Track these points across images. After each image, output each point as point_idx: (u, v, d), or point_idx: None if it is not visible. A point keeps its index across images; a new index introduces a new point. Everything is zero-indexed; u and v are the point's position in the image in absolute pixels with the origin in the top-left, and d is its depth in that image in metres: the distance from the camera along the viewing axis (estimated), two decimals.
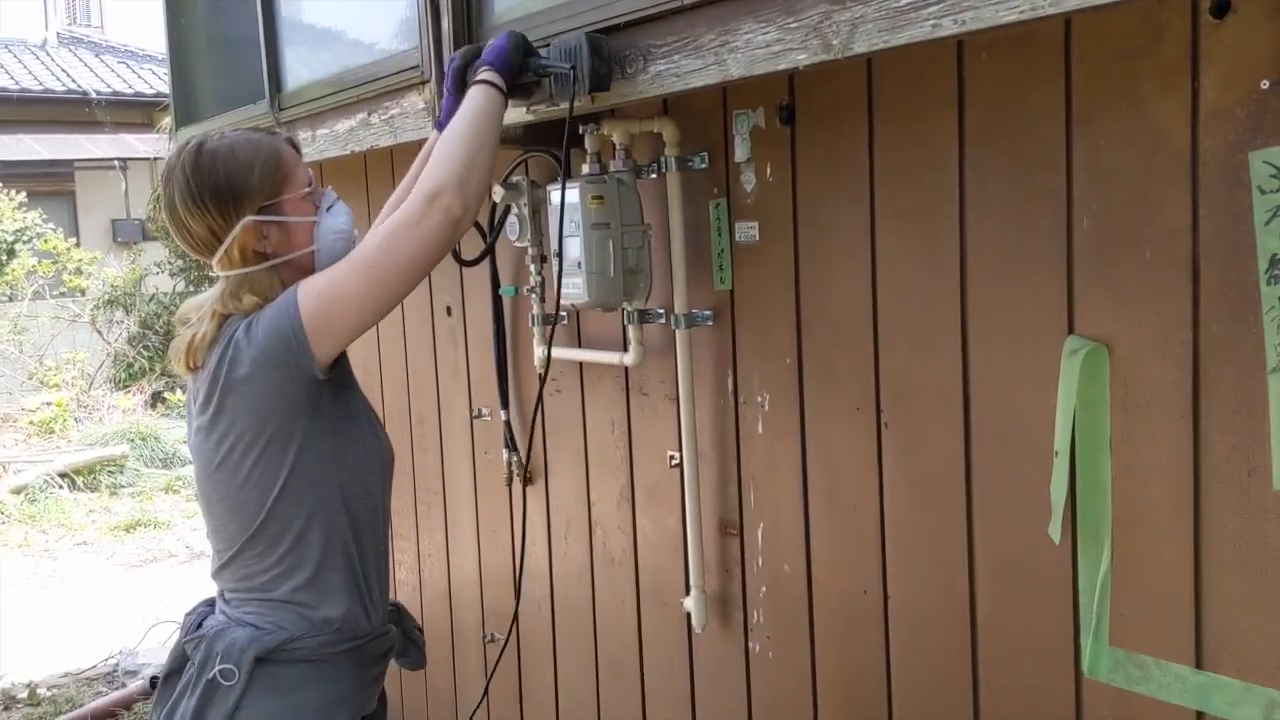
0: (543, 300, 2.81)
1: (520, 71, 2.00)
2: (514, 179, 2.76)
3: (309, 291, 1.76)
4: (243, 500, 1.81)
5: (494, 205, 2.89)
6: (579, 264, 2.31)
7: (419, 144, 2.84)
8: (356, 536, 1.84)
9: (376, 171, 3.47)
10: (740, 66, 1.78)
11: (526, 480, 3.05)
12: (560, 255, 2.33)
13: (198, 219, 1.82)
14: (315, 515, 1.80)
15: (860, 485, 2.06)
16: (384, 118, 2.82)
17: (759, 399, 2.28)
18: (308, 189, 1.89)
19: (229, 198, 1.81)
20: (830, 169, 2.06)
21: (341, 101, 2.99)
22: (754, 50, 1.75)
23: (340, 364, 1.88)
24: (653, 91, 1.97)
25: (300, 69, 3.34)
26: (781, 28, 1.69)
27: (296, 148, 1.93)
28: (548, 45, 2.10)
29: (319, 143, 3.19)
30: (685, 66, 1.89)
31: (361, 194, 3.53)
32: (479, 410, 3.25)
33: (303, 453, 1.80)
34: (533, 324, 2.83)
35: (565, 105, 2.03)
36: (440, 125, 2.07)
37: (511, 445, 3.07)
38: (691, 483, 2.40)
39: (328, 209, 1.90)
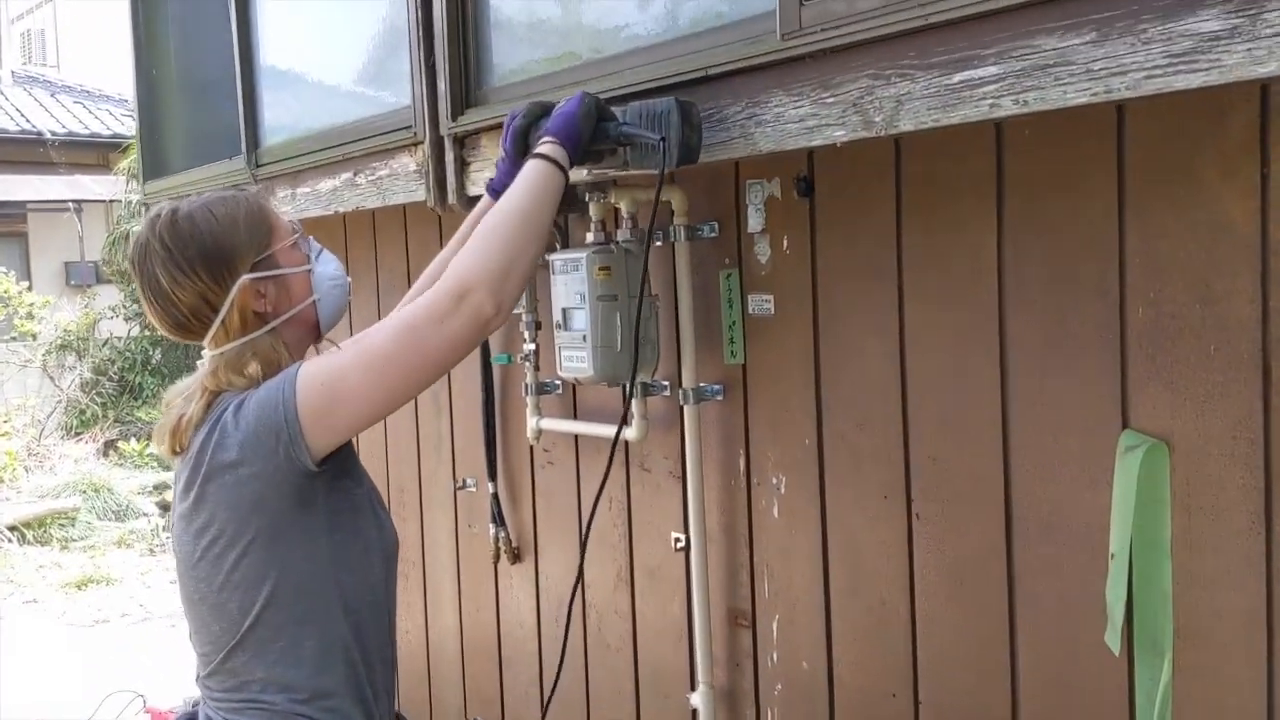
0: (537, 369, 2.69)
1: (594, 138, 1.78)
2: None
3: (310, 378, 1.57)
4: (224, 602, 1.64)
5: None
6: (584, 337, 2.19)
7: (406, 207, 2.73)
8: (359, 642, 1.68)
9: (357, 230, 3.34)
10: (769, 141, 1.68)
11: (515, 557, 2.91)
12: (564, 326, 2.22)
13: (188, 289, 1.64)
14: (309, 623, 1.64)
15: (888, 579, 1.94)
16: (371, 179, 2.69)
17: (774, 481, 2.16)
18: (294, 236, 1.73)
19: (219, 259, 1.64)
20: (853, 244, 1.96)
21: (325, 160, 2.86)
22: (785, 125, 1.65)
23: (340, 450, 1.72)
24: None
25: (279, 124, 3.22)
26: (816, 102, 1.59)
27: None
28: (624, 107, 1.86)
29: (299, 201, 3.06)
30: (709, 138, 1.79)
31: (339, 254, 3.39)
32: (463, 481, 3.10)
33: (292, 554, 1.62)
34: (526, 393, 2.70)
35: (654, 173, 1.79)
36: (494, 190, 1.89)
37: (499, 520, 2.92)
38: (699, 567, 2.27)
39: (316, 257, 1.75)
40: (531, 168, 1.66)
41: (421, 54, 2.41)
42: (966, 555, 1.82)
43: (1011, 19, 1.32)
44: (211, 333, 1.67)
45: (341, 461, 1.67)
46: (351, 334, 1.79)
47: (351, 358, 1.56)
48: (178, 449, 1.68)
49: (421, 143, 2.46)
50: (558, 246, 2.61)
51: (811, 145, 1.61)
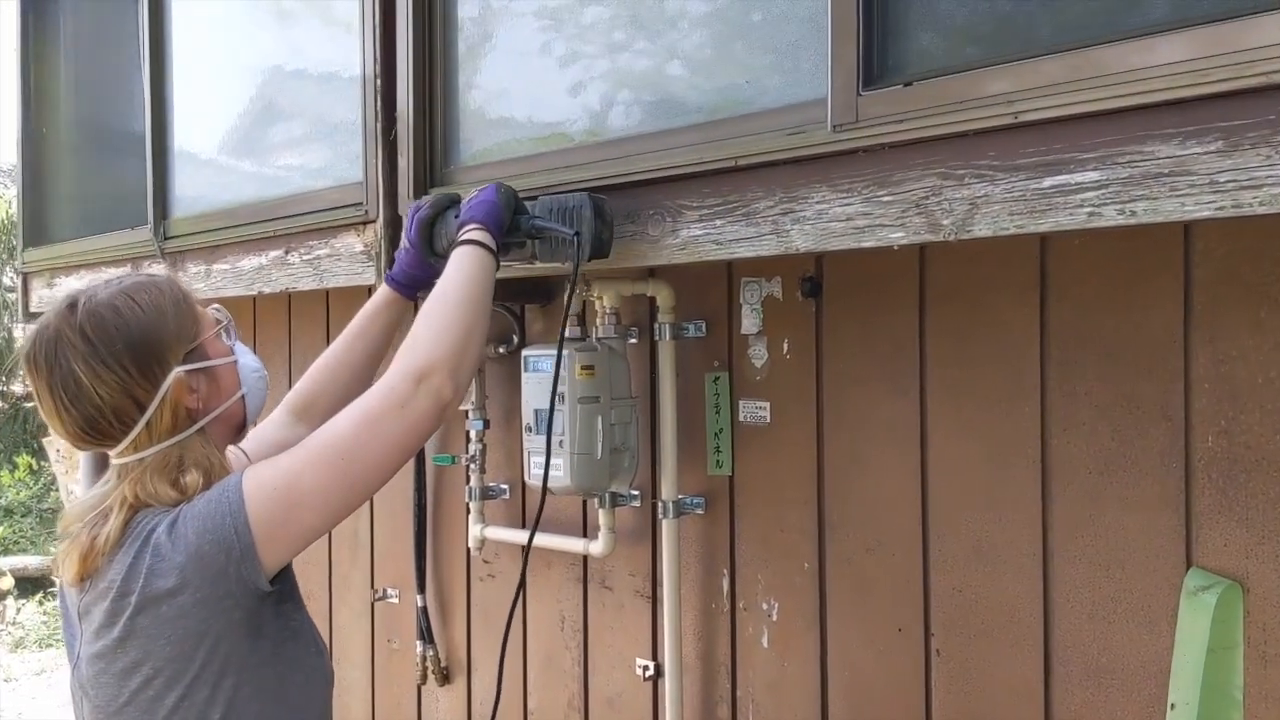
0: (483, 471, 2.46)
1: (509, 230, 1.71)
2: None
3: (258, 485, 1.39)
4: None
5: None
6: (561, 442, 1.98)
7: (347, 291, 2.49)
8: None
9: (270, 308, 3.07)
10: (808, 240, 1.53)
11: (444, 679, 2.63)
12: (538, 429, 2.01)
13: (111, 386, 1.41)
14: None
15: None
16: (307, 258, 2.45)
17: (764, 606, 1.97)
18: (218, 325, 1.54)
19: (149, 352, 1.43)
20: (867, 351, 1.82)
21: (251, 236, 2.60)
22: (829, 223, 1.50)
23: (285, 570, 1.49)
24: (682, 258, 1.70)
25: (193, 193, 2.94)
26: (870, 199, 1.45)
27: None
28: (534, 199, 1.81)
29: (215, 279, 2.77)
30: (730, 233, 1.63)
31: (248, 335, 3.11)
32: (383, 591, 2.81)
33: (239, 689, 1.39)
34: (469, 498, 2.46)
35: (558, 266, 1.77)
36: (394, 280, 1.81)
37: (427, 636, 2.64)
38: (673, 700, 2.06)
39: (234, 347, 1.55)
40: (465, 253, 1.61)
41: (380, 126, 2.20)
42: (995, 697, 1.67)
43: (1118, 122, 1.21)
44: (132, 436, 1.43)
45: (285, 583, 1.48)
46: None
47: (304, 457, 1.40)
48: (85, 574, 1.41)
49: (373, 222, 2.23)
50: (515, 339, 2.42)
51: (861, 247, 1.47)
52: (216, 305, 1.55)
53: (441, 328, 1.50)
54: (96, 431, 1.44)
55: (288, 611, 1.48)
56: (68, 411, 1.43)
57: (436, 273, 1.69)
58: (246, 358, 1.55)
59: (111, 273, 3.17)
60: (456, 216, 1.71)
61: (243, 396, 1.52)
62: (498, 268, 1.64)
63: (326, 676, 1.55)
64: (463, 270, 1.59)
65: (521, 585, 1.81)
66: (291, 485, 1.39)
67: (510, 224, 1.71)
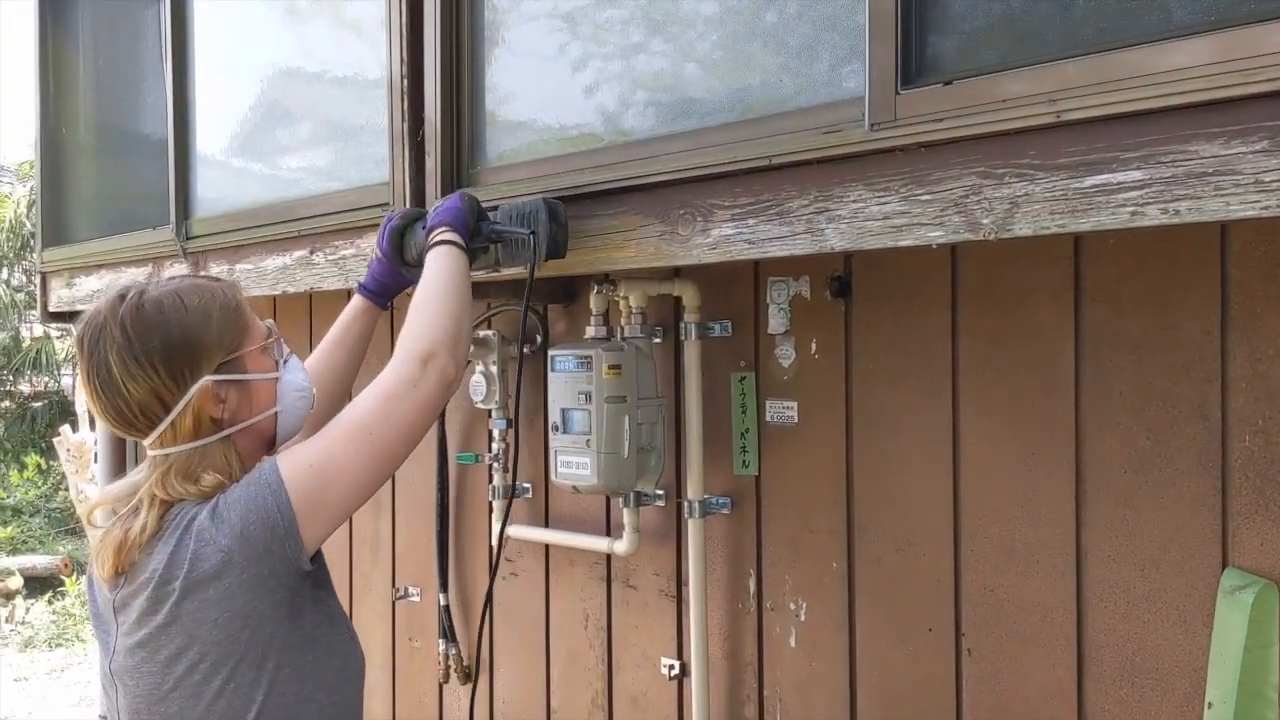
0: (505, 470, 2.46)
1: (473, 235, 1.82)
2: (481, 334, 2.43)
3: (295, 465, 1.43)
4: None
5: None
6: (587, 441, 1.99)
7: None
8: None
9: (289, 307, 3.07)
10: (843, 239, 1.53)
11: (466, 677, 2.63)
12: (560, 427, 2.02)
13: (140, 383, 1.44)
14: None
15: None
16: (333, 258, 2.45)
17: (792, 606, 1.97)
18: (267, 341, 1.57)
19: (183, 355, 1.46)
20: (898, 351, 1.82)
21: (275, 235, 2.60)
22: (865, 221, 1.50)
23: (319, 555, 1.51)
24: (713, 258, 1.70)
25: (216, 194, 2.94)
26: (907, 198, 1.45)
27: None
28: (495, 208, 1.91)
29: (238, 279, 2.77)
30: (764, 233, 1.63)
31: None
32: (404, 590, 2.82)
33: (280, 670, 1.42)
34: (492, 496, 2.46)
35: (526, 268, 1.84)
36: (366, 288, 1.90)
37: (449, 634, 2.65)
38: (700, 699, 2.06)
39: (284, 363, 1.58)
40: (440, 253, 1.72)
41: (406, 127, 2.20)
42: (1027, 696, 1.67)
43: (1162, 121, 1.21)
44: (157, 432, 1.46)
45: (320, 568, 1.53)
46: None
47: (334, 436, 1.48)
48: (121, 569, 1.43)
49: None
50: (539, 339, 2.42)
51: (899, 245, 1.47)
52: (270, 323, 1.59)
53: (435, 315, 1.61)
54: (124, 421, 1.48)
55: (323, 597, 1.53)
56: (99, 398, 1.47)
57: (407, 281, 1.86)
58: (295, 375, 1.58)
59: (132, 273, 3.18)
60: (424, 228, 1.81)
61: (276, 413, 1.55)
62: (469, 266, 1.75)
63: (359, 667, 1.58)
64: (441, 266, 1.70)
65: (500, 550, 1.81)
66: (326, 463, 1.44)
67: (474, 229, 1.82)
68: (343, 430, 1.48)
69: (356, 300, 1.90)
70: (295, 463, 1.44)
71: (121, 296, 1.49)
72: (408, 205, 2.22)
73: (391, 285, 1.90)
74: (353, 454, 1.46)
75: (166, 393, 1.45)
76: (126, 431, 1.49)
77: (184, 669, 1.40)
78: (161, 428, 1.45)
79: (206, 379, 1.46)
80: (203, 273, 1.59)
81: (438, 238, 1.74)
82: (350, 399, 1.61)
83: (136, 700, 1.45)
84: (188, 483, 1.45)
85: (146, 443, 1.47)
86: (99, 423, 1.54)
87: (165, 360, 1.44)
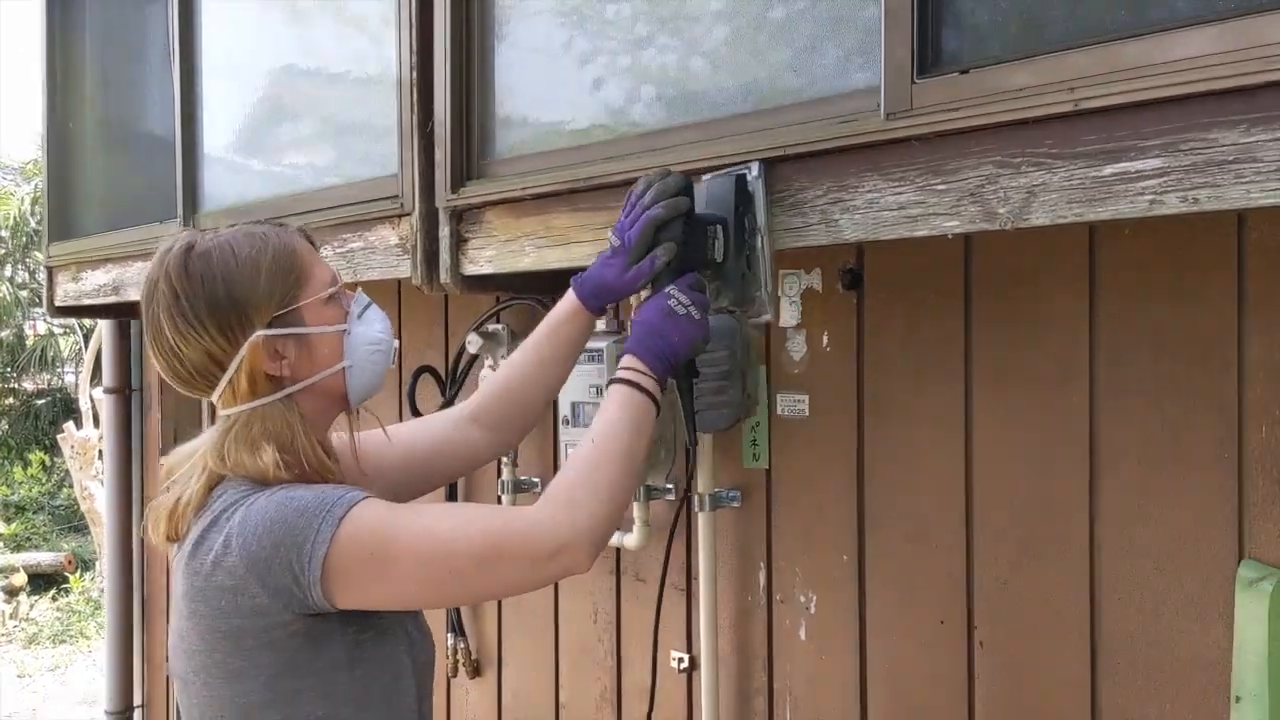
0: (515, 465, 2.46)
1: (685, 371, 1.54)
2: (490, 328, 2.42)
3: (360, 533, 1.27)
4: None
5: (460, 352, 2.54)
6: None
7: (381, 284, 2.49)
8: None
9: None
10: (858, 229, 1.52)
11: (475, 671, 2.63)
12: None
13: (192, 343, 1.35)
14: None
15: (942, 713, 1.76)
16: (340, 250, 2.45)
17: (802, 599, 1.97)
18: (331, 290, 1.41)
19: (231, 310, 1.34)
20: (911, 343, 1.81)
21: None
22: (879, 212, 1.50)
23: None
24: None
25: (223, 188, 2.94)
26: (923, 188, 1.45)
27: (312, 241, 1.46)
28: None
29: None
30: (777, 223, 1.62)
31: None
32: None
33: (301, 694, 1.32)
34: (502, 490, 2.46)
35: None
36: (581, 284, 1.57)
37: (457, 628, 2.64)
38: (709, 692, 2.06)
39: (359, 315, 1.43)
40: (632, 402, 1.41)
41: (416, 119, 2.20)
42: (1040, 689, 1.66)
43: (1182, 108, 1.21)
44: (219, 392, 1.37)
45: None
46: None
47: (416, 538, 1.29)
48: (174, 535, 1.38)
49: (409, 215, 2.23)
50: None
51: (914, 235, 1.46)
52: (335, 269, 1.44)
53: (608, 487, 1.34)
54: (183, 381, 1.39)
55: (368, 613, 1.36)
56: (158, 358, 1.39)
57: (633, 288, 1.53)
58: (370, 327, 1.43)
59: (139, 267, 3.17)
60: (691, 217, 1.53)
61: (344, 369, 1.41)
62: (658, 412, 1.43)
63: (421, 667, 1.45)
64: (630, 419, 1.40)
65: None
66: (385, 565, 1.28)
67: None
68: (428, 546, 1.29)
69: (567, 300, 1.58)
70: (364, 532, 1.28)
71: (168, 249, 1.39)
72: (417, 201, 2.21)
73: (616, 288, 1.54)
74: (416, 577, 1.29)
75: (219, 351, 1.35)
76: (190, 391, 1.40)
77: (198, 666, 1.33)
78: (221, 387, 1.36)
79: (258, 334, 1.34)
80: (268, 220, 1.44)
81: (635, 377, 1.42)
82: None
83: (177, 682, 1.41)
84: (244, 452, 1.34)
85: (214, 400, 1.39)
86: (168, 380, 1.44)
87: (213, 317, 1.34)
